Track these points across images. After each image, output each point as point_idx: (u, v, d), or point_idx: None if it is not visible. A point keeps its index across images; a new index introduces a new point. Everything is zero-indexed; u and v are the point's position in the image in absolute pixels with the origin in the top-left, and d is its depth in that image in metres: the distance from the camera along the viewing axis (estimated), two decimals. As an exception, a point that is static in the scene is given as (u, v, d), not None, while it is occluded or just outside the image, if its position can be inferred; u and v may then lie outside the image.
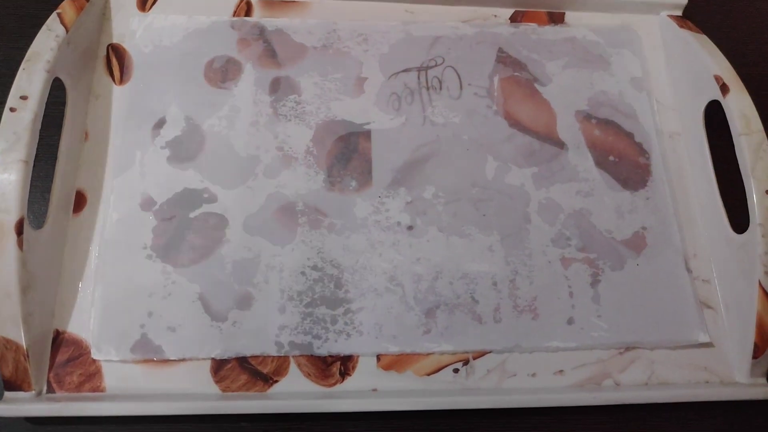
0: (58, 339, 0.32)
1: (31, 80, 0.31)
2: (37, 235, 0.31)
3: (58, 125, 0.34)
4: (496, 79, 0.39)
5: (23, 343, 0.29)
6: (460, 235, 0.35)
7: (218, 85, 0.37)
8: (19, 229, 0.29)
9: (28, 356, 0.29)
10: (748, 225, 0.34)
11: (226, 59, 0.38)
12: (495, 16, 0.42)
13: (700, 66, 0.38)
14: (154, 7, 0.39)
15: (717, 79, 0.37)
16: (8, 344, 0.29)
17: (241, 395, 0.31)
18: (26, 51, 0.33)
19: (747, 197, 0.34)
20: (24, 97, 0.31)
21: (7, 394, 0.30)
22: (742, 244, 0.34)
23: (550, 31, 0.41)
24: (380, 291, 0.34)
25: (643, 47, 0.42)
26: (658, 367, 0.34)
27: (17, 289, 0.29)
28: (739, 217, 0.35)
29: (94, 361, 0.31)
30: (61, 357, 0.31)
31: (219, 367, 0.32)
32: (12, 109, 0.31)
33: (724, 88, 0.36)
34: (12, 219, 0.29)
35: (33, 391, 0.30)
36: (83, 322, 0.32)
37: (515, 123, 0.38)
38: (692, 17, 0.42)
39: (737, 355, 0.34)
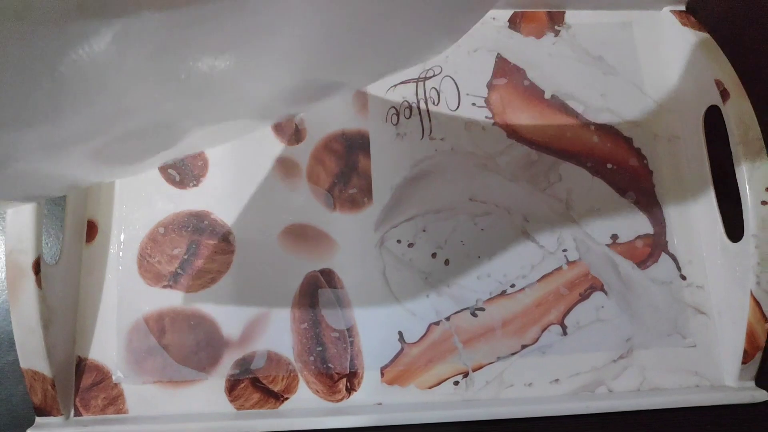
0: (81, 365, 0.34)
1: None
2: (54, 270, 0.32)
3: (65, 156, 0.35)
4: (494, 88, 0.39)
5: (49, 373, 0.31)
6: (458, 250, 0.36)
7: (218, 106, 0.38)
8: (37, 268, 0.31)
9: (54, 385, 0.32)
10: (743, 233, 0.34)
11: (224, 77, 0.38)
12: (493, 18, 0.41)
13: (701, 68, 0.38)
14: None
15: (717, 83, 0.36)
16: (36, 375, 0.31)
17: (255, 413, 0.33)
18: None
19: (742, 207, 0.34)
20: (29, 136, 0.32)
21: (38, 419, 0.32)
22: (737, 253, 0.35)
23: (548, 33, 0.41)
24: (383, 308, 0.35)
25: (644, 46, 0.41)
26: (650, 373, 0.35)
27: (39, 324, 0.31)
28: (737, 224, 0.35)
29: (116, 384, 0.33)
30: (85, 382, 0.33)
31: (233, 386, 0.34)
32: (19, 149, 0.31)
33: (724, 94, 0.36)
34: (29, 260, 0.30)
35: (62, 416, 0.32)
36: (103, 348, 0.34)
37: (513, 133, 0.39)
38: (698, 10, 0.41)
39: (727, 359, 0.35)
